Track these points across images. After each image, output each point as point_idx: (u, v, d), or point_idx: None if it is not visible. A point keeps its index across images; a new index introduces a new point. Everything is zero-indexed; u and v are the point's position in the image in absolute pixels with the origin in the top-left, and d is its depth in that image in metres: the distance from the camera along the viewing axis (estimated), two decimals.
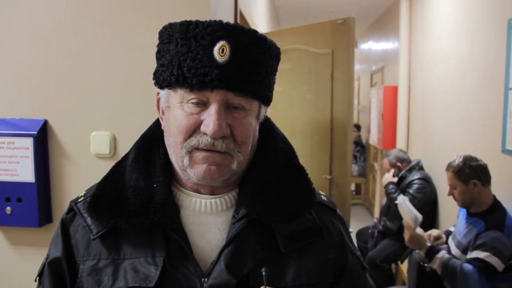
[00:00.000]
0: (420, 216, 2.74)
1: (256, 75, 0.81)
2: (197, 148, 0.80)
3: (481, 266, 2.21)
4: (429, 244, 2.50)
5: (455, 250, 2.53)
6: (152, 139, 0.91)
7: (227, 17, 2.00)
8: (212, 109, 0.78)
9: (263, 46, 0.82)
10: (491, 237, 2.26)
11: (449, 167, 2.59)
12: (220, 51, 0.77)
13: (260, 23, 4.09)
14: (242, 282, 0.80)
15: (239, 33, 0.79)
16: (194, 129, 0.80)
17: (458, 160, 2.55)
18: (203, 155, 0.80)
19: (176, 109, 0.81)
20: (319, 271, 0.87)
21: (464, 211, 2.62)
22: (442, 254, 2.40)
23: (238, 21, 2.35)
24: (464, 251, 2.44)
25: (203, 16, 1.45)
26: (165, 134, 0.87)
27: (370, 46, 7.54)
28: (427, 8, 4.40)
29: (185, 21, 0.80)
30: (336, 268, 0.90)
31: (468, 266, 2.23)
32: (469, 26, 3.33)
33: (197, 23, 0.79)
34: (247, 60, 0.79)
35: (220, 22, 0.78)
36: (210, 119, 0.78)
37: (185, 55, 0.78)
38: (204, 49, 0.77)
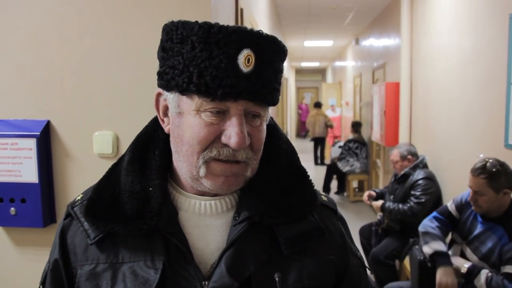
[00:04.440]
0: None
1: (274, 83, 0.80)
2: (215, 159, 0.78)
3: None
4: (463, 270, 2.34)
5: (471, 256, 2.43)
6: (148, 141, 0.89)
7: (228, 16, 2.00)
8: (235, 121, 0.76)
9: (282, 54, 0.82)
10: None
11: (480, 172, 2.33)
12: (245, 61, 0.74)
13: (261, 21, 4.08)
14: (243, 285, 0.80)
15: (263, 42, 0.77)
16: (213, 139, 0.78)
17: (491, 165, 2.30)
18: (222, 167, 0.79)
19: (192, 117, 0.78)
20: (321, 272, 0.86)
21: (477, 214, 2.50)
22: (484, 274, 2.23)
23: (239, 19, 2.35)
24: (483, 259, 2.34)
25: (204, 14, 1.45)
26: (173, 140, 0.83)
27: (371, 42, 7.53)
28: (428, 3, 4.39)
29: (204, 23, 0.75)
30: (338, 269, 0.89)
31: (509, 284, 2.11)
32: (470, 21, 3.32)
33: (220, 28, 0.74)
34: (269, 69, 0.78)
35: (245, 29, 0.76)
36: (233, 130, 0.76)
37: (206, 62, 0.74)
38: (228, 58, 0.74)
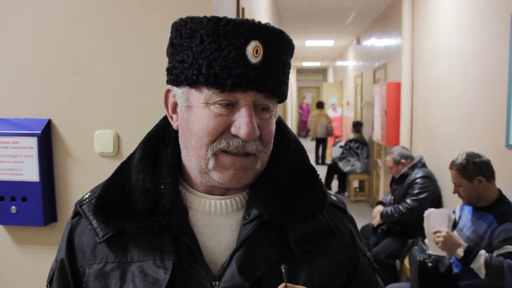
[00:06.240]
0: (452, 215, 2.69)
1: (282, 76, 0.81)
2: (224, 151, 0.78)
3: None
4: (460, 254, 2.33)
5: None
6: (159, 138, 0.89)
7: (229, 15, 1.99)
8: (244, 111, 0.76)
9: (290, 47, 0.82)
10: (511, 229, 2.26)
11: (452, 165, 2.57)
12: (254, 52, 0.75)
13: (262, 20, 4.07)
14: (254, 285, 0.79)
15: (271, 34, 0.78)
16: (223, 131, 0.78)
17: (461, 158, 2.54)
18: (231, 159, 0.78)
19: (200, 109, 0.78)
20: (331, 272, 0.85)
21: (469, 206, 2.61)
22: (483, 252, 2.26)
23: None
24: (476, 246, 2.40)
25: (205, 14, 1.45)
26: (182, 135, 0.83)
27: (372, 42, 7.52)
28: (429, 3, 4.38)
29: (212, 17, 0.77)
30: (349, 269, 0.89)
31: (510, 262, 2.15)
32: (471, 21, 3.31)
33: (228, 20, 0.76)
34: (277, 61, 0.79)
35: (253, 21, 0.77)
36: (242, 121, 0.76)
37: (215, 54, 0.75)
38: (237, 49, 0.75)
